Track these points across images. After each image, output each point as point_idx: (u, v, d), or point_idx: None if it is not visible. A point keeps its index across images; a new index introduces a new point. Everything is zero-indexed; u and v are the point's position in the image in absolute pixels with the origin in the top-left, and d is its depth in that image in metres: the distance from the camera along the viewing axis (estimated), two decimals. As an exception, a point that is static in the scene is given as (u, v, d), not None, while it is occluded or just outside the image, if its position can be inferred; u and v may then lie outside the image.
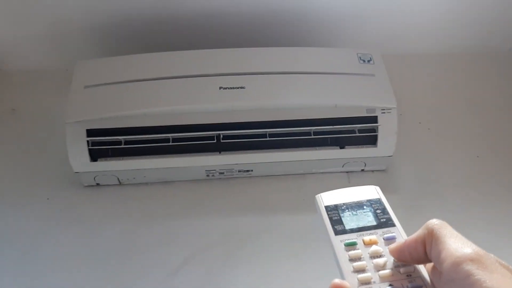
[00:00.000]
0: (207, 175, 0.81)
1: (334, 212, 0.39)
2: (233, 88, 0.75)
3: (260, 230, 0.76)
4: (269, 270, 0.71)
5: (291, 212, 0.78)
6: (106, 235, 0.75)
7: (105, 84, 0.76)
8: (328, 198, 0.41)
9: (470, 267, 0.28)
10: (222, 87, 0.75)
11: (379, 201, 0.40)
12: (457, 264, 0.29)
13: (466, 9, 0.96)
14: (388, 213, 0.39)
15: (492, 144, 0.89)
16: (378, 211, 0.39)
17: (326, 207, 0.40)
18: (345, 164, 0.81)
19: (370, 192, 0.41)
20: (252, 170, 0.80)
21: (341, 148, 0.77)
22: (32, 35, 0.95)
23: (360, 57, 0.81)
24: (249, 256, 0.72)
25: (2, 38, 0.96)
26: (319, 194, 0.42)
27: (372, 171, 0.83)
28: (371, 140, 0.77)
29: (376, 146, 0.77)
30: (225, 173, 0.80)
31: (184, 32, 0.95)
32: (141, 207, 0.79)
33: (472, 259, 0.28)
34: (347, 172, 0.83)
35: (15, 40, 0.96)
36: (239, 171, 0.80)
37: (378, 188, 0.41)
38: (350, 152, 0.78)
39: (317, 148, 0.77)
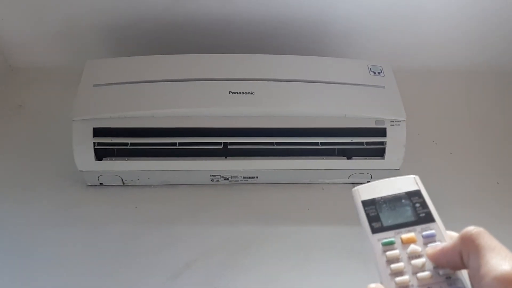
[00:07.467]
0: (212, 180, 0.80)
1: (371, 208, 0.37)
2: (243, 93, 0.75)
3: (263, 238, 0.75)
4: (270, 279, 0.70)
5: (295, 222, 0.77)
6: (107, 236, 0.74)
7: (114, 83, 0.76)
8: (366, 191, 0.39)
9: None
10: (231, 92, 0.75)
11: (418, 193, 0.38)
12: (496, 284, 0.28)
13: (481, 28, 0.96)
14: (427, 207, 0.37)
15: (502, 164, 0.88)
16: (417, 205, 0.37)
17: (364, 202, 0.38)
18: (351, 175, 0.80)
19: (409, 183, 0.39)
20: (257, 177, 0.80)
21: (348, 158, 0.77)
22: (43, 33, 0.95)
23: (370, 69, 0.80)
24: (250, 264, 0.71)
25: (13, 35, 0.96)
26: (356, 188, 0.39)
27: (378, 184, 0.82)
28: (379, 152, 0.76)
29: (383, 159, 0.76)
30: (230, 179, 0.80)
31: (196, 37, 0.95)
32: (144, 209, 0.78)
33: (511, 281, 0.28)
34: (352, 183, 0.82)
35: (26, 37, 0.96)
36: (244, 177, 0.79)
37: (417, 178, 0.39)
38: (357, 163, 0.77)
39: (323, 157, 0.76)
